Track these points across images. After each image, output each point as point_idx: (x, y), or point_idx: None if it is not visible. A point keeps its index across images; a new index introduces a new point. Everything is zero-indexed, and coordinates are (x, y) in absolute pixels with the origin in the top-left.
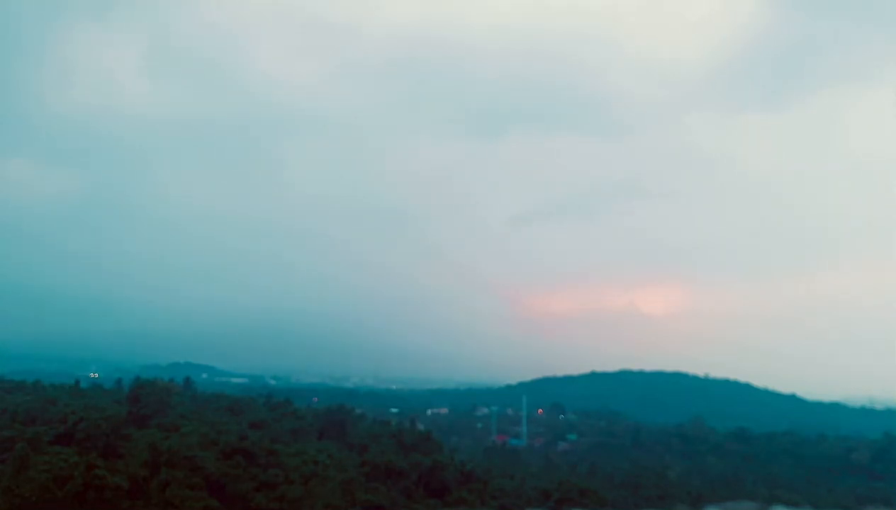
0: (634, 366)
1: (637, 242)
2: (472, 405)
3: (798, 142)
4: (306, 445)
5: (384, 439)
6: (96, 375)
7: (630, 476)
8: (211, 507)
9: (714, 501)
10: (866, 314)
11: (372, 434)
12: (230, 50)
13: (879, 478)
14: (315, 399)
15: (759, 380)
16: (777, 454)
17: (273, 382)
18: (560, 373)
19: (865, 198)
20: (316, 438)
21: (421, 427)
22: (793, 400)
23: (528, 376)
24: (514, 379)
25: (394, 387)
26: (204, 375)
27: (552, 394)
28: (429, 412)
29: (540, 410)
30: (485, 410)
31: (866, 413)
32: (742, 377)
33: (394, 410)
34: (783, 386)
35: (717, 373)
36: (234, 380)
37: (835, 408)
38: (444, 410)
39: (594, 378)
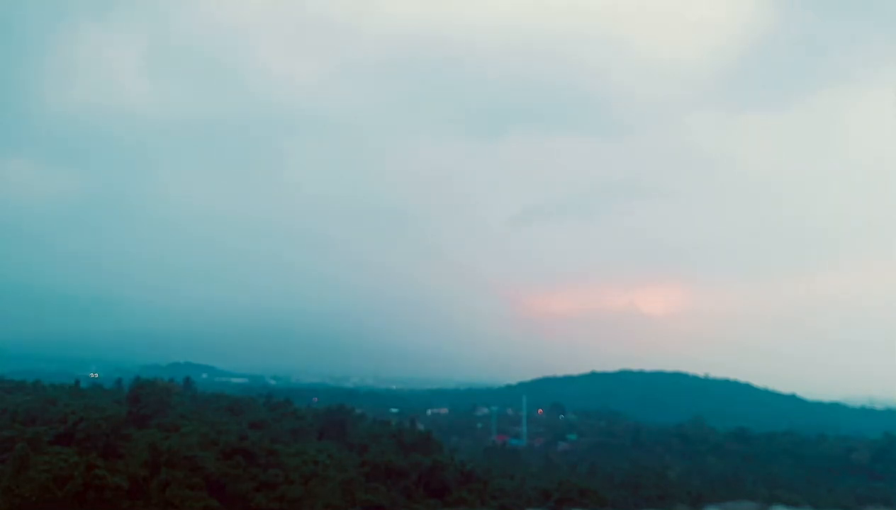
0: (634, 366)
1: (637, 242)
2: (472, 405)
3: (798, 142)
4: (306, 445)
5: (384, 439)
6: (96, 375)
7: (630, 476)
8: (211, 507)
9: (714, 501)
10: (866, 314)
11: (372, 434)
12: (230, 50)
13: (879, 478)
14: (315, 399)
15: (759, 380)
16: (777, 454)
17: (273, 382)
18: (560, 373)
19: (865, 198)
20: (316, 438)
21: (421, 427)
22: (793, 400)
23: (528, 376)
24: (514, 379)
25: (394, 387)
26: (204, 375)
27: (552, 394)
28: (429, 412)
29: (540, 410)
30: (485, 410)
31: (866, 413)
32: (742, 377)
33: (394, 410)
34: (783, 386)
35: (717, 373)
36: (234, 380)
37: (835, 408)
38: (444, 410)
39: (594, 378)
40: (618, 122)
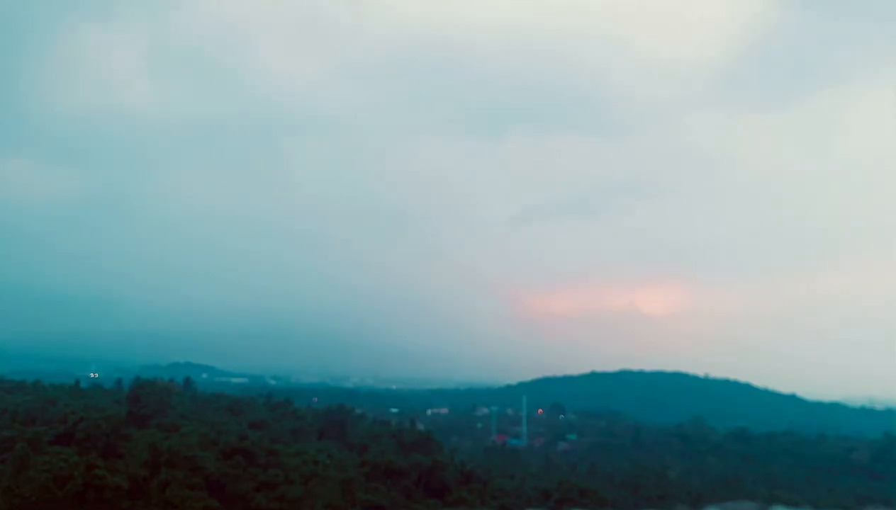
0: (634, 366)
1: (637, 242)
2: (472, 405)
3: (798, 142)
4: (306, 445)
5: (384, 439)
6: (96, 375)
7: (630, 476)
8: (211, 507)
9: (714, 501)
10: (866, 314)
11: (372, 434)
12: (230, 49)
13: (879, 478)
14: (315, 399)
15: (759, 380)
16: (777, 454)
17: (273, 382)
18: (560, 373)
19: (865, 198)
20: (316, 438)
21: (421, 427)
22: (793, 400)
23: (528, 376)
24: (514, 379)
25: (394, 387)
26: (204, 375)
27: (552, 394)
28: (429, 412)
29: (540, 410)
30: (485, 410)
31: (866, 413)
32: (742, 377)
33: (394, 410)
34: (783, 386)
35: (717, 373)
36: (234, 380)
37: (835, 408)
38: (444, 410)
39: (594, 378)
40: (618, 122)
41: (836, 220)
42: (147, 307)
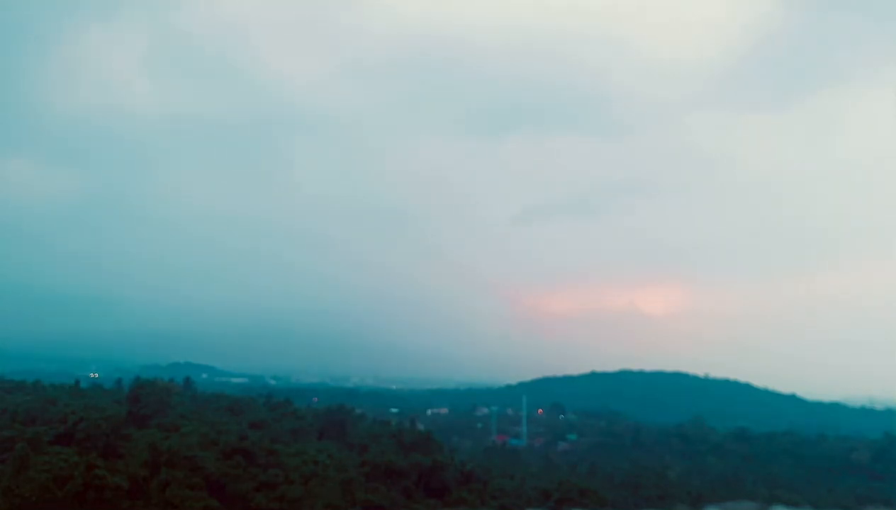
0: (634, 366)
1: (637, 242)
2: (472, 405)
3: (798, 142)
4: (306, 445)
5: (384, 439)
6: (96, 375)
7: (630, 476)
8: (211, 507)
9: (714, 501)
10: (866, 314)
11: (372, 434)
12: (231, 49)
13: (879, 478)
14: (315, 399)
15: (759, 380)
16: (777, 454)
17: (273, 382)
18: (560, 373)
19: (865, 198)
20: (316, 438)
21: (421, 427)
22: (793, 400)
23: (528, 376)
24: (514, 379)
25: (394, 387)
26: (204, 375)
27: (552, 394)
28: (429, 412)
29: (540, 410)
30: (485, 410)
31: (866, 413)
32: (742, 377)
33: (394, 410)
34: (783, 386)
35: (717, 373)
36: (234, 380)
37: (835, 408)
38: (444, 410)
39: (594, 378)
40: (618, 122)
41: (836, 220)
42: (147, 307)
